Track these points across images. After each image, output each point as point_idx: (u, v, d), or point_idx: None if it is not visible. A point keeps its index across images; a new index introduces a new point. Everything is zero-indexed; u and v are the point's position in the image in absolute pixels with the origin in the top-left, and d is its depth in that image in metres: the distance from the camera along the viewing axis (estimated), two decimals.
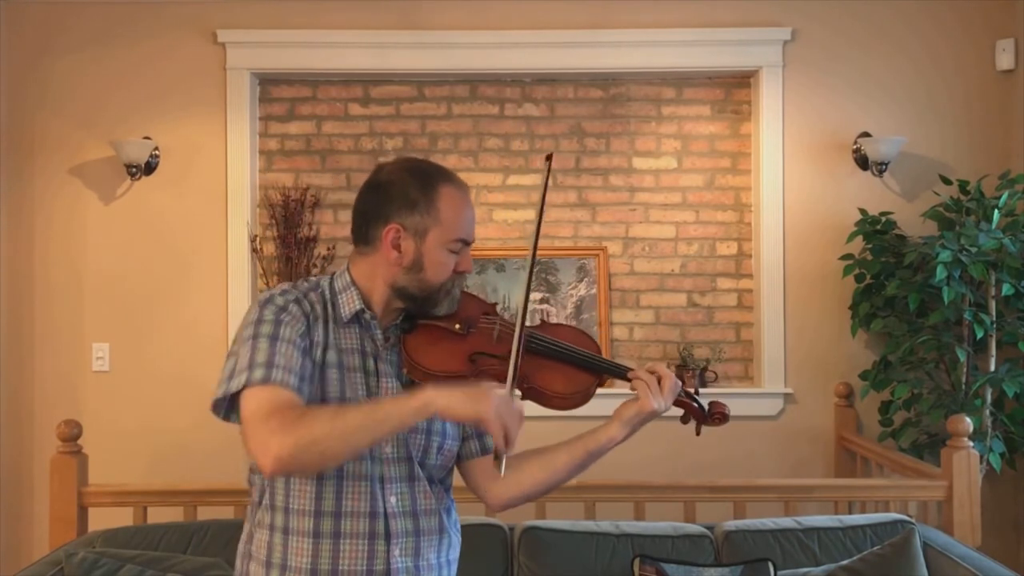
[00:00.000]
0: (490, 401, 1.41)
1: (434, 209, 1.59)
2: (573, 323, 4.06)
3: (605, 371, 1.67)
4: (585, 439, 1.65)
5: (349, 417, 1.43)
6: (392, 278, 1.61)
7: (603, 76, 4.14)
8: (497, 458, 1.46)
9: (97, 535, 2.68)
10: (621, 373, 1.66)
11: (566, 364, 1.65)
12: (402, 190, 1.59)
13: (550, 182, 1.73)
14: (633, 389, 1.63)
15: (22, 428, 4.02)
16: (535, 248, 1.68)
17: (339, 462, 1.49)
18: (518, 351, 1.56)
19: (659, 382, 1.61)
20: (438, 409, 1.42)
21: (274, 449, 1.40)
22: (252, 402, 1.47)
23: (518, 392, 1.63)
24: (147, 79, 4.03)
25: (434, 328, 1.63)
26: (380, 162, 1.71)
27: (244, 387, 1.48)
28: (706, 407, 1.69)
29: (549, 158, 1.75)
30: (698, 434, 1.74)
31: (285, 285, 1.65)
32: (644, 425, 1.63)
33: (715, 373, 4.03)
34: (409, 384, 1.62)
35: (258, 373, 1.48)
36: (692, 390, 1.69)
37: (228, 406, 1.53)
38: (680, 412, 1.71)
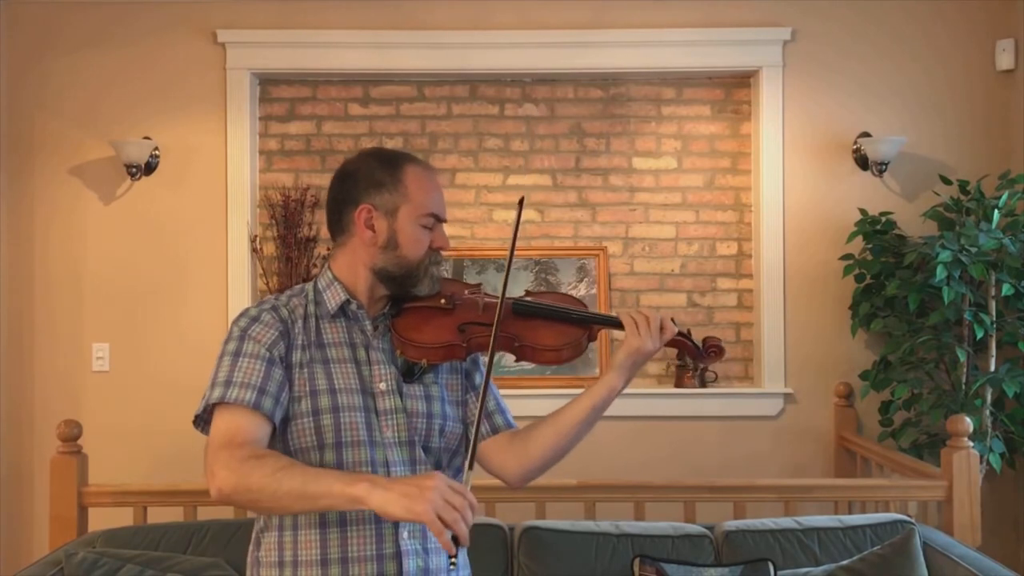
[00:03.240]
0: (427, 499, 1.32)
1: (401, 186, 1.64)
2: None
3: (592, 322, 1.70)
4: (587, 395, 1.67)
5: (287, 480, 1.41)
6: (371, 260, 1.65)
7: (603, 76, 4.14)
8: (449, 557, 1.39)
9: (97, 535, 2.68)
10: (608, 321, 1.70)
11: (554, 321, 1.69)
12: (368, 173, 1.65)
13: (519, 230, 1.77)
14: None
15: (22, 428, 4.02)
16: (511, 259, 1.71)
17: (272, 514, 1.55)
18: (493, 347, 1.60)
19: (647, 322, 1.63)
20: (372, 507, 1.36)
21: (217, 483, 1.46)
22: (214, 428, 1.54)
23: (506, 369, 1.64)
24: (147, 79, 4.03)
25: (421, 308, 1.67)
26: (347, 157, 1.76)
27: (205, 407, 1.55)
28: (700, 344, 1.71)
29: (521, 202, 1.78)
30: (694, 371, 1.76)
31: (269, 297, 1.71)
32: (641, 366, 1.66)
33: (715, 373, 4.02)
34: (405, 367, 1.65)
35: (217, 392, 1.54)
36: (685, 330, 1.71)
37: (205, 423, 1.60)
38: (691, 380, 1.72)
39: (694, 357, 1.71)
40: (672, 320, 1.67)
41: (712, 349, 1.71)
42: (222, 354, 1.59)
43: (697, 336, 1.73)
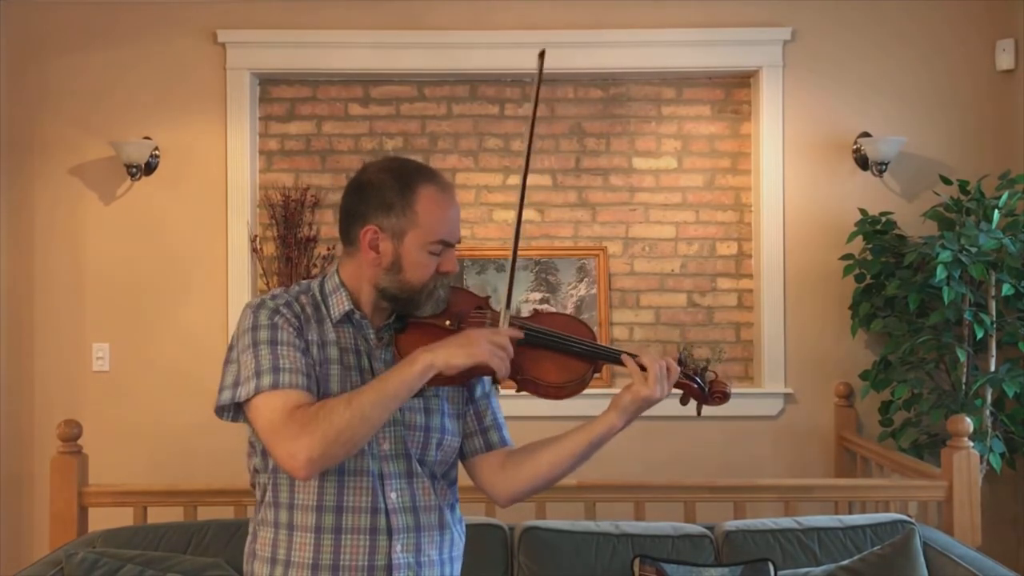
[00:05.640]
0: (482, 343, 1.51)
1: (411, 211, 1.59)
2: None
3: (600, 358, 1.66)
4: (585, 429, 1.65)
5: (363, 399, 1.47)
6: (374, 279, 1.62)
7: (603, 76, 4.14)
8: (496, 381, 1.60)
9: (97, 535, 2.68)
10: (615, 358, 1.65)
11: (559, 353, 1.64)
12: (379, 192, 1.60)
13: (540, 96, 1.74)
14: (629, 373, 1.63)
15: (22, 428, 4.02)
16: (525, 177, 1.67)
17: (365, 443, 1.53)
18: (512, 267, 1.61)
19: (655, 369, 1.60)
20: (440, 367, 1.49)
21: (303, 454, 1.44)
22: (265, 411, 1.50)
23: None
24: (147, 79, 4.03)
25: (425, 326, 1.63)
26: (366, 161, 1.72)
27: (255, 394, 1.51)
28: (706, 387, 1.68)
29: (542, 55, 1.72)
30: (699, 414, 1.73)
31: (276, 290, 1.67)
32: (643, 411, 1.63)
33: (715, 373, 4.00)
34: None
35: (267, 379, 1.51)
36: (691, 371, 1.67)
37: (235, 411, 1.56)
38: (683, 395, 1.70)
39: (699, 400, 1.68)
40: (680, 360, 1.65)
41: (717, 395, 1.68)
42: (255, 342, 1.55)
43: (696, 343, 1.71)
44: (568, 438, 1.66)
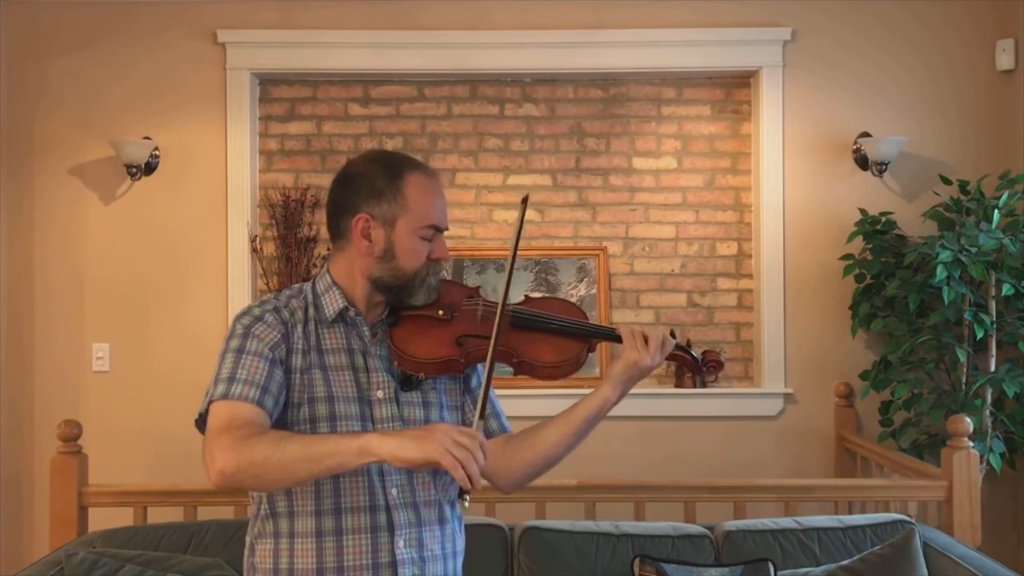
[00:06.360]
0: (437, 440, 1.37)
1: (401, 197, 1.61)
2: None
3: (592, 336, 1.69)
4: (581, 406, 1.67)
5: (291, 447, 1.42)
6: (368, 269, 1.63)
7: (603, 76, 4.14)
8: (461, 495, 1.41)
9: (97, 535, 2.68)
10: (608, 335, 1.68)
11: (553, 334, 1.67)
12: (368, 180, 1.62)
13: (523, 229, 1.74)
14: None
15: (22, 428, 4.02)
16: (512, 263, 1.67)
17: (278, 488, 1.52)
18: (494, 352, 1.57)
19: (647, 338, 1.64)
20: (383, 455, 1.39)
21: (218, 464, 1.43)
22: (213, 417, 1.51)
23: (504, 370, 1.65)
24: (147, 79, 4.03)
25: (419, 317, 1.65)
26: (349, 158, 1.74)
27: (208, 404, 1.53)
28: (700, 358, 1.71)
29: (525, 201, 1.72)
30: (694, 385, 1.77)
31: (267, 296, 1.68)
32: (636, 381, 1.66)
33: (715, 374, 4.02)
34: (402, 377, 1.64)
35: (220, 388, 1.52)
36: (685, 343, 1.71)
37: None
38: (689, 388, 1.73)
39: (693, 371, 1.71)
40: (672, 334, 1.68)
41: (711, 364, 1.71)
42: (225, 351, 1.57)
43: (696, 344, 1.72)
44: (565, 416, 1.68)
